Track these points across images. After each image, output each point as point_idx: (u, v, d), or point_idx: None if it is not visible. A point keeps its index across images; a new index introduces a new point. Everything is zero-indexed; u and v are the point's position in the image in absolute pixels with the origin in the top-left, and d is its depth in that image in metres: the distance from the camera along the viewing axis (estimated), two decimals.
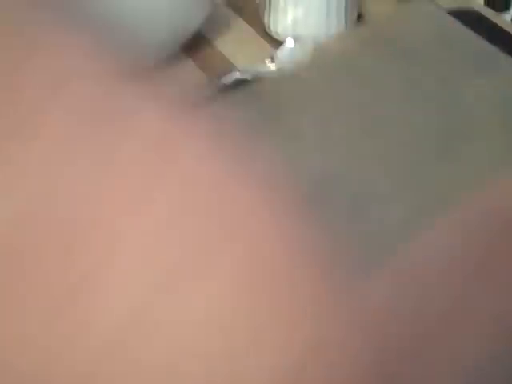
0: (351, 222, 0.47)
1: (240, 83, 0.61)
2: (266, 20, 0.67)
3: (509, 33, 0.64)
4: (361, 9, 0.68)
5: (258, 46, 0.67)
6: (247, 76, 0.62)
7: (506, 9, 0.72)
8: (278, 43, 0.66)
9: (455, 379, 0.25)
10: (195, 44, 0.64)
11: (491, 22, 0.66)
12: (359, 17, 0.68)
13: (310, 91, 0.55)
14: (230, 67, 0.64)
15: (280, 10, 0.65)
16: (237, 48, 0.67)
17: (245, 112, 0.55)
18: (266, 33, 0.68)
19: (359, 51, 0.59)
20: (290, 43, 0.65)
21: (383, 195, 0.48)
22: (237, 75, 0.61)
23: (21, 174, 0.18)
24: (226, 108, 0.58)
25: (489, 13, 0.69)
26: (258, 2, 0.68)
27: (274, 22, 0.66)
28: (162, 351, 0.18)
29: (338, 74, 0.56)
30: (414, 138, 0.52)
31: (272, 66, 0.63)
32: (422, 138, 0.52)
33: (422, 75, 0.55)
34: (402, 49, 0.58)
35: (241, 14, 0.70)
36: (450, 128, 0.52)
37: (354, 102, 0.54)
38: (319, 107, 0.54)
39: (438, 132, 0.52)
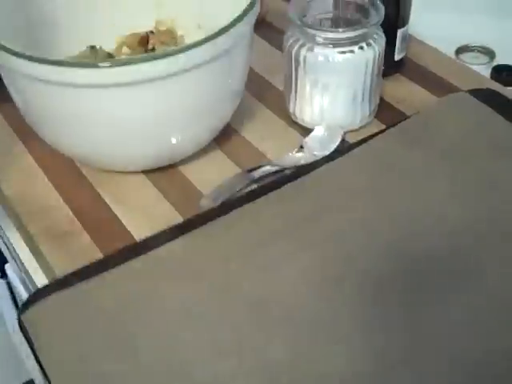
0: None
1: (271, 174, 0.62)
2: (291, 108, 0.68)
3: None
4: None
5: (284, 134, 0.68)
6: (278, 167, 0.62)
7: None
8: (305, 131, 0.67)
9: None
10: (223, 133, 0.65)
11: (504, 96, 0.68)
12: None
13: (350, 188, 0.56)
14: (259, 157, 0.65)
15: (306, 99, 0.66)
16: (264, 137, 0.68)
17: (282, 212, 0.55)
18: (292, 120, 0.69)
19: (399, 146, 0.60)
20: (318, 131, 0.66)
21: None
22: (267, 169, 0.62)
23: None
24: (262, 206, 0.59)
25: (498, 87, 0.71)
26: (283, 90, 0.69)
27: (301, 111, 0.67)
28: None
29: (378, 170, 0.57)
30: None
31: (301, 156, 0.64)
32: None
33: (464, 171, 0.56)
34: (442, 143, 0.59)
35: (265, 102, 0.72)
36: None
37: (394, 198, 0.55)
38: (360, 206, 0.54)
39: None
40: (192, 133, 0.60)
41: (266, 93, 0.73)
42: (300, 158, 0.64)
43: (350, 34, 0.61)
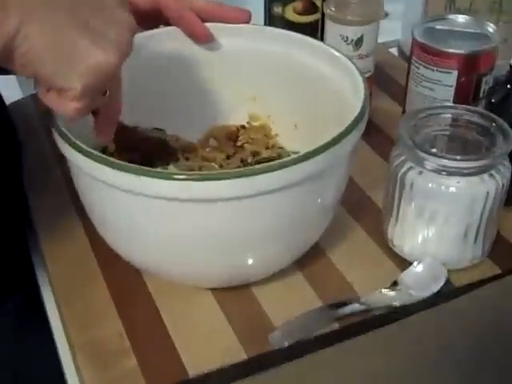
0: None
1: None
2: (389, 234, 0.59)
3: None
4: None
5: (377, 263, 0.58)
6: (366, 307, 0.53)
7: None
8: (401, 262, 0.58)
9: None
10: (306, 252, 0.57)
11: None
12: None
13: (453, 353, 0.46)
14: (344, 288, 0.56)
15: (408, 227, 0.57)
16: (354, 262, 0.58)
17: (367, 367, 0.46)
18: (388, 247, 0.59)
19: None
20: (418, 267, 0.56)
21: None
22: (354, 308, 0.53)
23: None
24: (343, 354, 0.50)
25: None
26: (383, 211, 0.60)
27: (400, 239, 0.58)
28: None
29: (489, 332, 0.47)
30: None
31: (395, 295, 0.54)
32: None
33: None
34: None
35: (360, 220, 0.63)
36: None
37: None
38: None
39: None
40: (271, 255, 0.52)
41: (363, 210, 0.64)
42: (393, 297, 0.54)
43: (470, 163, 0.52)
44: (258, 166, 0.44)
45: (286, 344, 0.50)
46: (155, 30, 0.61)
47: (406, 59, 0.98)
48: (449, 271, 0.56)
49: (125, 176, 0.43)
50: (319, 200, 0.51)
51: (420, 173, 0.54)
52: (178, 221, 0.46)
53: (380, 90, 0.82)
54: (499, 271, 0.57)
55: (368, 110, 0.51)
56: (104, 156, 0.44)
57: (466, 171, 0.52)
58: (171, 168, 0.56)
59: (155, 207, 0.45)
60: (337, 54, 0.56)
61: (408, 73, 0.69)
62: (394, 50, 1.01)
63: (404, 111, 0.71)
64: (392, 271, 0.57)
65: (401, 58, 0.96)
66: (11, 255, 0.64)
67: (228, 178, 0.43)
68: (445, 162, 0.52)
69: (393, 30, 1.05)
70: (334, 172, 0.50)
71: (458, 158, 0.52)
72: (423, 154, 0.53)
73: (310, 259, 0.57)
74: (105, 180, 0.45)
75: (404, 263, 0.57)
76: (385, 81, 0.84)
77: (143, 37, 0.59)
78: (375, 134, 0.74)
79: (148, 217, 0.47)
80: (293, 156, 0.45)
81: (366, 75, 0.73)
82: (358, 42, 0.70)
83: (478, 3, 0.85)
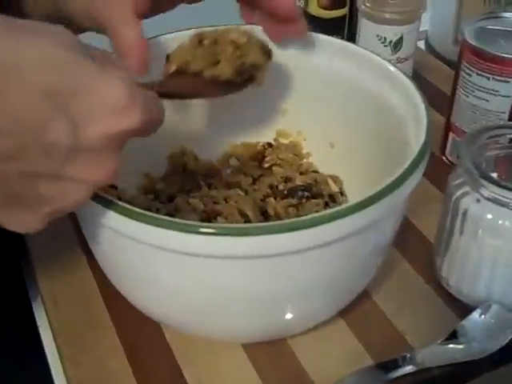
0: None
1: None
2: (443, 272, 0.50)
3: None
4: None
5: (431, 307, 0.50)
6: (423, 366, 0.45)
7: None
8: (460, 307, 0.50)
9: None
10: None
11: None
12: None
13: None
14: (395, 339, 0.48)
15: (466, 265, 0.48)
16: (403, 306, 0.50)
17: None
18: (443, 288, 0.51)
19: None
20: (481, 314, 0.48)
21: None
22: (408, 369, 0.45)
23: None
24: None
25: None
26: (433, 243, 0.52)
27: (458, 279, 0.50)
28: None
29: None
30: None
31: (456, 348, 0.46)
32: None
33: None
34: None
35: (408, 255, 0.54)
36: None
37: None
38: None
39: None
40: (315, 309, 0.44)
41: (411, 242, 0.55)
42: (454, 351, 0.46)
43: None
44: (316, 216, 0.35)
45: None
46: (173, 36, 0.51)
47: (436, 55, 0.89)
48: None
49: (154, 230, 0.35)
50: (373, 247, 0.43)
51: (486, 206, 0.46)
52: (214, 278, 0.38)
53: None
54: None
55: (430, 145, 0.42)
56: (126, 206, 0.35)
57: None
58: (194, 202, 0.48)
59: (184, 263, 0.37)
60: (392, 68, 0.47)
61: (456, 79, 0.60)
62: (420, 44, 0.92)
63: (448, 122, 0.63)
64: (449, 318, 0.49)
65: (429, 53, 0.88)
66: (4, 288, 0.56)
67: (278, 232, 0.34)
68: (505, 193, 0.44)
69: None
70: (392, 216, 0.42)
71: None
72: (492, 186, 0.45)
73: (353, 304, 0.49)
74: (131, 235, 0.36)
75: (463, 309, 0.49)
76: (416, 82, 0.76)
77: (158, 43, 0.50)
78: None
79: (179, 273, 0.38)
80: (351, 203, 0.36)
81: None
82: (398, 44, 0.61)
83: None
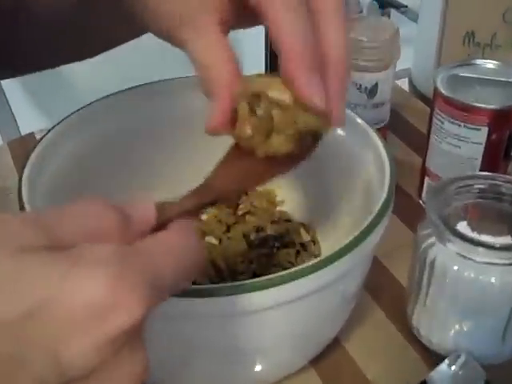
0: None
1: None
2: (414, 321, 0.51)
3: None
4: None
5: (401, 356, 0.51)
6: None
7: None
8: (432, 356, 0.50)
9: None
10: None
11: None
12: None
13: None
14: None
15: (438, 316, 0.49)
16: (372, 354, 0.50)
17: None
18: (413, 336, 0.52)
19: None
20: (449, 365, 0.48)
21: None
22: None
23: None
24: None
25: None
26: (407, 292, 0.52)
27: (428, 328, 0.50)
28: None
29: None
30: None
31: None
32: None
33: None
34: None
35: (379, 301, 0.55)
36: None
37: None
38: None
39: None
40: (284, 361, 0.44)
41: (385, 287, 0.56)
42: None
43: (504, 254, 0.44)
44: (284, 274, 0.36)
45: None
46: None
47: (418, 95, 0.90)
48: (485, 367, 0.48)
49: None
50: (343, 295, 0.43)
51: (452, 257, 0.46)
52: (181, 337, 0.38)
53: (391, 133, 0.74)
54: None
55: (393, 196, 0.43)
56: None
57: (507, 259, 0.45)
58: None
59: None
60: (359, 120, 0.48)
61: (430, 125, 0.61)
62: (402, 82, 0.92)
63: (424, 165, 0.64)
64: (421, 368, 0.49)
65: (412, 93, 0.89)
66: None
67: (250, 291, 0.35)
68: (482, 250, 0.45)
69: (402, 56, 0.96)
70: (362, 265, 0.42)
71: (501, 246, 0.44)
72: (457, 239, 0.45)
73: (324, 352, 0.49)
74: None
75: (435, 358, 0.49)
76: (396, 124, 0.76)
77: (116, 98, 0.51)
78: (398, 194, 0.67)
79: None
80: (319, 259, 0.37)
81: (381, 125, 0.66)
82: (373, 90, 0.62)
83: (500, 37, 0.77)
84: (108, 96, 0.51)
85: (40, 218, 0.24)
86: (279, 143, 0.34)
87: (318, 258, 0.36)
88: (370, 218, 0.40)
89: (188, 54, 0.36)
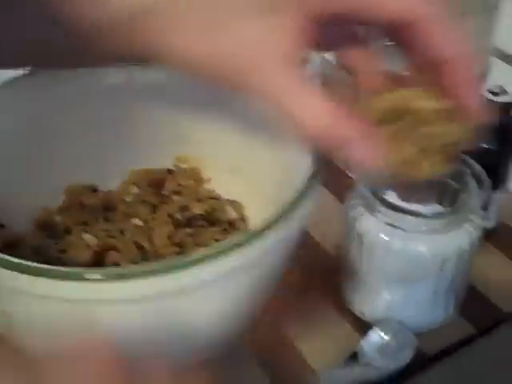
0: None
1: None
2: (347, 294, 0.51)
3: None
4: None
5: (335, 329, 0.50)
6: None
7: None
8: (364, 326, 0.50)
9: None
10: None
11: None
12: None
13: None
14: (300, 365, 0.47)
15: (366, 285, 0.49)
16: (307, 329, 0.50)
17: None
18: (348, 309, 0.51)
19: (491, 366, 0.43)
20: (378, 335, 0.48)
21: None
22: None
23: None
24: None
25: None
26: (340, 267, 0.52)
27: (360, 300, 0.50)
28: None
29: None
30: None
31: (357, 371, 0.46)
32: None
33: None
34: None
35: (312, 277, 0.54)
36: None
37: None
38: None
39: None
40: (213, 339, 0.43)
41: (318, 263, 0.55)
42: (353, 373, 0.46)
43: (440, 221, 0.44)
44: (187, 259, 0.34)
45: None
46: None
47: None
48: (417, 335, 0.48)
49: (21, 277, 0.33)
50: (273, 272, 0.42)
51: (382, 228, 0.46)
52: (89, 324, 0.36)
53: None
54: (474, 331, 0.50)
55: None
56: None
57: (435, 227, 0.45)
58: (87, 238, 0.46)
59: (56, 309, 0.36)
60: None
61: None
62: None
63: None
64: (355, 340, 0.49)
65: None
66: None
67: (159, 274, 0.33)
68: (411, 219, 0.44)
69: None
70: (290, 240, 0.41)
71: (429, 214, 0.44)
72: (385, 209, 0.45)
73: (259, 331, 0.48)
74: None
75: (367, 327, 0.49)
76: None
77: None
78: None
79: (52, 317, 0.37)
80: (241, 236, 0.35)
81: None
82: None
83: None
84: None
85: None
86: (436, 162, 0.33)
87: (241, 235, 0.35)
88: (297, 191, 0.39)
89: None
